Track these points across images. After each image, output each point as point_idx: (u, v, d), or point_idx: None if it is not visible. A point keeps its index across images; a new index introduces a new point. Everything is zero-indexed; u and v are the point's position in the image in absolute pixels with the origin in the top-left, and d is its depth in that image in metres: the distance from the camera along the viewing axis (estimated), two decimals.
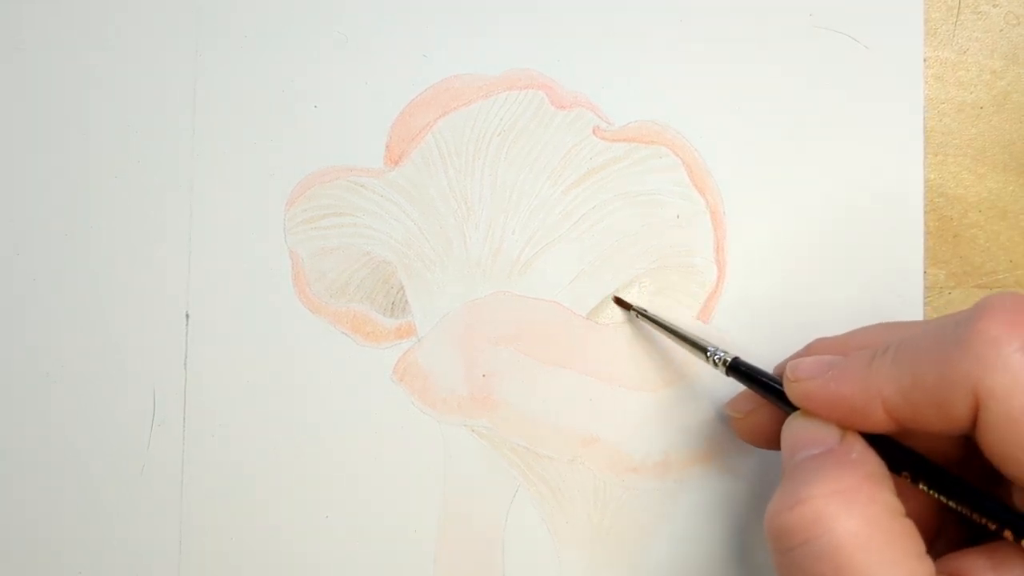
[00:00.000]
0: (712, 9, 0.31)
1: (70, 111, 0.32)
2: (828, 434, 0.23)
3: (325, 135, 0.31)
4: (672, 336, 0.29)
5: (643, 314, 0.30)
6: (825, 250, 0.30)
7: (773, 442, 0.25)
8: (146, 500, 0.31)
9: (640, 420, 0.30)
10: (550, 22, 0.31)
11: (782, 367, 0.25)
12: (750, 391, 0.27)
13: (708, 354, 0.27)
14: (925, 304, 0.30)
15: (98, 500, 0.31)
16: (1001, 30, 0.31)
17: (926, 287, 0.30)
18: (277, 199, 0.31)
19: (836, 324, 0.30)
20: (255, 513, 0.31)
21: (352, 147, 0.31)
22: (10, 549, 0.31)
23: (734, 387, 0.27)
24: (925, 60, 0.31)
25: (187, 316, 0.31)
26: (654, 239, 0.31)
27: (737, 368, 0.26)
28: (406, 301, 0.31)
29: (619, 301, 0.31)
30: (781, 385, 0.24)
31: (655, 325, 0.29)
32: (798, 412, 0.24)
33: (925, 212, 0.30)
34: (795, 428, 0.24)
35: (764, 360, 0.30)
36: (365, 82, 0.31)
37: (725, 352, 0.27)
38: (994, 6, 0.31)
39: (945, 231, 0.30)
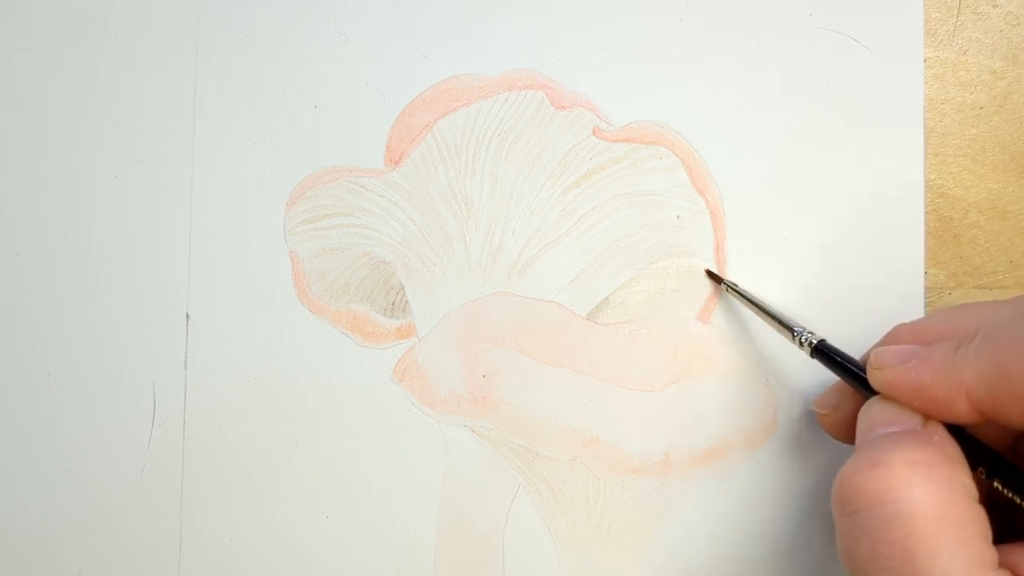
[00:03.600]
0: (712, 9, 0.31)
1: (70, 111, 0.32)
2: (909, 418, 0.23)
3: (325, 135, 0.31)
4: (760, 312, 0.29)
5: (733, 288, 0.30)
6: (825, 250, 0.30)
7: None
8: (146, 500, 0.31)
9: (640, 420, 0.30)
10: (550, 22, 0.31)
11: (867, 355, 0.25)
12: (835, 388, 0.27)
13: (795, 334, 0.27)
14: (925, 305, 0.30)
15: (98, 500, 0.31)
16: (1001, 30, 0.31)
17: (926, 287, 0.30)
18: (277, 199, 0.31)
19: (836, 325, 0.30)
20: (255, 513, 0.31)
21: (352, 147, 0.31)
22: (10, 549, 0.31)
23: (734, 389, 0.27)
24: (925, 60, 0.31)
25: (187, 316, 0.31)
26: (654, 239, 0.31)
27: (822, 351, 0.26)
28: (406, 301, 0.31)
29: (710, 274, 0.31)
30: (864, 371, 0.25)
31: (744, 300, 0.30)
32: (878, 396, 0.24)
33: (925, 212, 0.30)
34: (876, 409, 0.24)
35: (765, 359, 0.30)
36: (365, 82, 0.31)
37: (812, 333, 0.27)
38: (994, 6, 0.31)
39: (945, 232, 0.30)
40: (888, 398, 0.24)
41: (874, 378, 0.24)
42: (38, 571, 0.31)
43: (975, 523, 0.20)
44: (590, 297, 0.31)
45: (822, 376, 0.29)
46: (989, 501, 0.24)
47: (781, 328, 0.28)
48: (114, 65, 0.32)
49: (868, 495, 0.21)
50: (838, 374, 0.26)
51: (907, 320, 0.26)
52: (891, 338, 0.26)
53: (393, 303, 0.31)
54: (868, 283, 0.30)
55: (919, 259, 0.30)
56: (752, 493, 0.30)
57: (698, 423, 0.30)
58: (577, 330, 0.31)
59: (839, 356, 0.26)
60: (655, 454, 0.30)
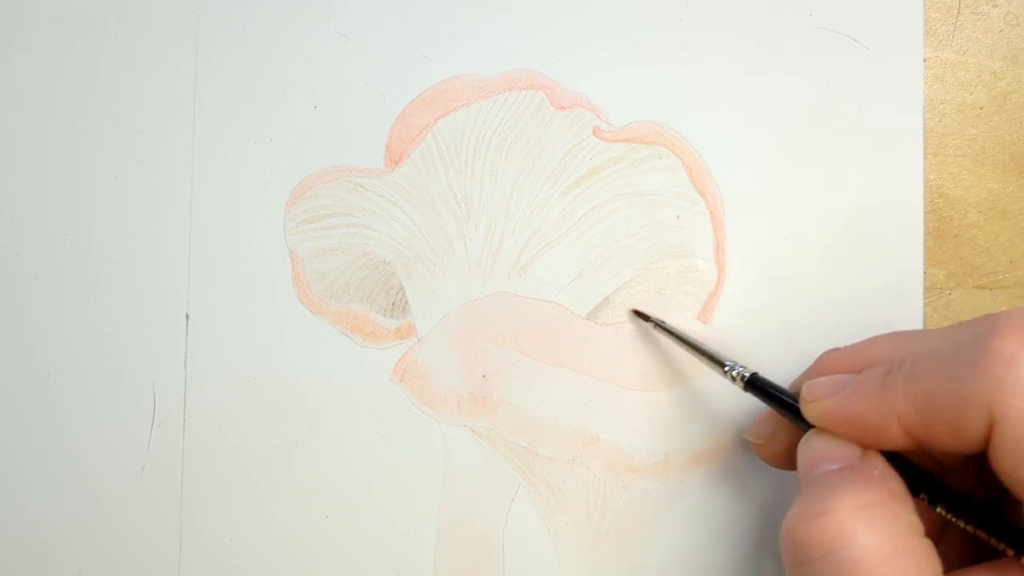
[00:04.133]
0: (712, 9, 0.31)
1: (70, 111, 0.32)
2: (848, 451, 0.23)
3: (325, 135, 0.31)
4: (689, 349, 0.29)
5: (661, 326, 0.30)
6: (825, 250, 0.30)
7: (795, 464, 0.25)
8: (146, 500, 0.31)
9: (640, 420, 0.30)
10: (550, 22, 0.31)
11: (798, 385, 0.25)
12: (768, 416, 0.27)
13: (726, 369, 0.27)
14: (925, 305, 0.30)
15: (98, 500, 0.31)
16: (1001, 31, 0.31)
17: (926, 288, 0.30)
18: (277, 199, 0.31)
19: (836, 325, 0.30)
20: (255, 513, 0.31)
21: (352, 147, 0.31)
22: (10, 549, 0.31)
23: (734, 389, 0.27)
24: (925, 60, 0.31)
25: (187, 316, 0.31)
26: (654, 239, 0.31)
27: (755, 384, 0.26)
28: (406, 301, 0.31)
29: (637, 313, 0.30)
30: (798, 402, 0.24)
31: (673, 337, 0.29)
32: (815, 429, 0.24)
33: (925, 213, 0.30)
34: (813, 444, 0.24)
35: (765, 360, 0.30)
36: (365, 82, 0.31)
37: (744, 367, 0.27)
38: (994, 6, 0.31)
39: (945, 232, 0.30)
40: (824, 430, 0.23)
41: (807, 411, 0.24)
42: (38, 571, 0.31)
43: (923, 559, 0.20)
44: (590, 297, 0.31)
45: None
46: (938, 526, 0.24)
47: (712, 364, 0.28)
48: (114, 65, 0.32)
49: (815, 545, 0.21)
50: (774, 408, 0.26)
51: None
52: (820, 366, 0.26)
53: (393, 303, 0.31)
54: (868, 283, 0.30)
55: (918, 259, 0.30)
56: (752, 493, 0.30)
57: (698, 423, 0.30)
58: (577, 330, 0.31)
59: (773, 389, 0.26)
60: (655, 454, 0.30)
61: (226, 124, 0.31)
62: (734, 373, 0.27)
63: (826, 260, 0.30)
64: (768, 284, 0.30)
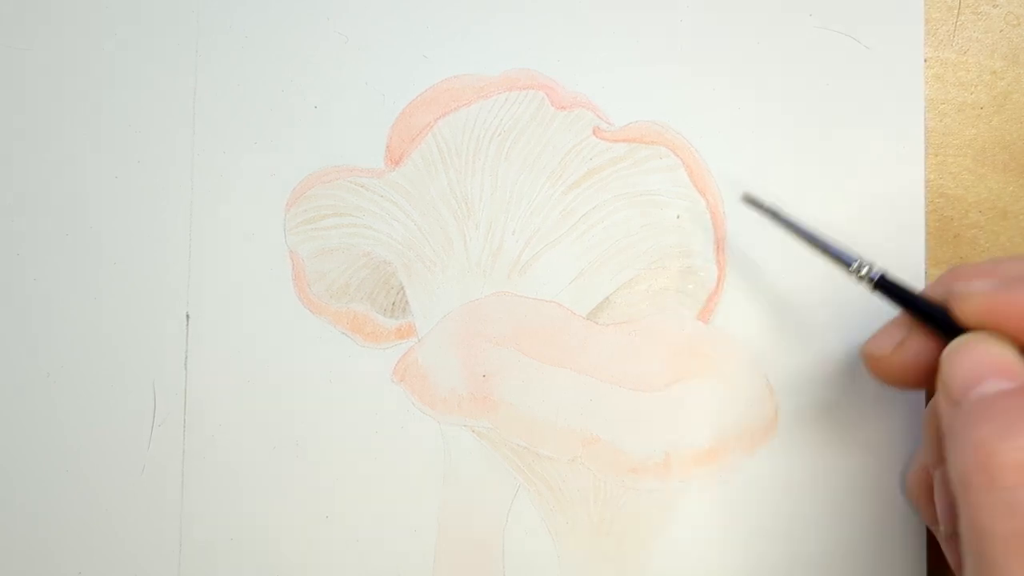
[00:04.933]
0: (712, 9, 0.31)
1: (71, 111, 0.32)
2: (1020, 366, 0.19)
3: (325, 135, 0.31)
4: (808, 242, 0.25)
5: (776, 214, 0.27)
6: None
7: (925, 380, 0.22)
8: (146, 500, 0.31)
9: (640, 420, 0.30)
10: (550, 22, 0.31)
11: (927, 292, 0.22)
12: (896, 323, 0.24)
13: (852, 268, 0.24)
14: None
15: (98, 500, 0.31)
16: (1001, 30, 0.31)
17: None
18: (277, 199, 0.31)
19: (836, 325, 0.30)
20: (255, 513, 0.31)
21: (352, 147, 0.31)
22: (10, 549, 0.31)
23: (734, 389, 0.27)
24: (925, 60, 0.31)
25: (187, 316, 0.31)
26: (654, 239, 0.31)
27: (885, 285, 0.23)
28: (406, 301, 0.31)
29: (749, 198, 0.28)
30: (941, 306, 0.21)
31: (789, 228, 0.26)
32: (970, 336, 0.20)
33: (925, 213, 0.30)
34: (975, 353, 0.20)
35: (766, 360, 0.30)
36: (365, 82, 0.31)
37: (872, 264, 0.24)
38: (994, 6, 0.31)
39: (945, 232, 0.30)
40: (982, 337, 0.20)
41: (968, 305, 0.20)
42: (38, 571, 0.31)
43: None
44: (590, 297, 0.31)
45: (824, 373, 0.29)
46: None
47: (835, 261, 0.24)
48: (114, 65, 0.32)
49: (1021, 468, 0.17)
50: (910, 312, 0.22)
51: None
52: (953, 276, 0.23)
53: (393, 303, 0.31)
54: None
55: (919, 259, 0.30)
56: (752, 493, 0.30)
57: (698, 423, 0.30)
58: (577, 330, 0.31)
59: (908, 290, 0.22)
60: (655, 454, 0.30)
61: (226, 124, 0.31)
62: (861, 272, 0.24)
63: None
64: (768, 284, 0.30)
